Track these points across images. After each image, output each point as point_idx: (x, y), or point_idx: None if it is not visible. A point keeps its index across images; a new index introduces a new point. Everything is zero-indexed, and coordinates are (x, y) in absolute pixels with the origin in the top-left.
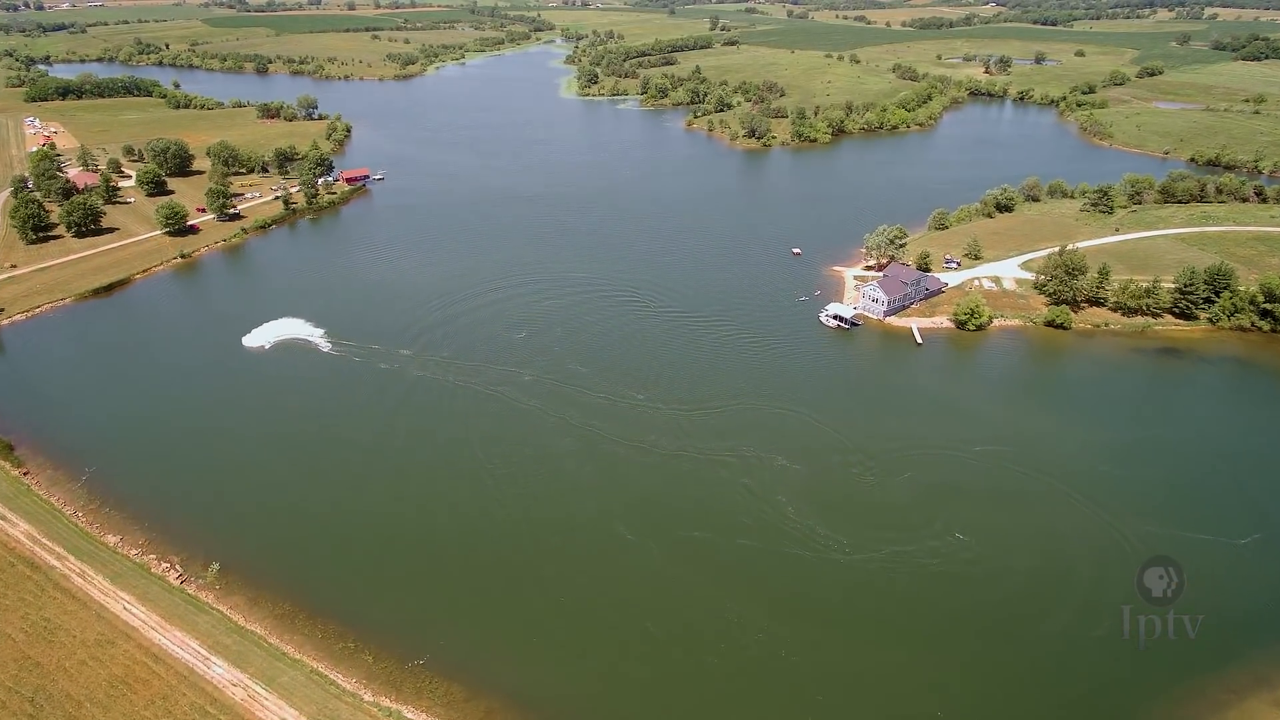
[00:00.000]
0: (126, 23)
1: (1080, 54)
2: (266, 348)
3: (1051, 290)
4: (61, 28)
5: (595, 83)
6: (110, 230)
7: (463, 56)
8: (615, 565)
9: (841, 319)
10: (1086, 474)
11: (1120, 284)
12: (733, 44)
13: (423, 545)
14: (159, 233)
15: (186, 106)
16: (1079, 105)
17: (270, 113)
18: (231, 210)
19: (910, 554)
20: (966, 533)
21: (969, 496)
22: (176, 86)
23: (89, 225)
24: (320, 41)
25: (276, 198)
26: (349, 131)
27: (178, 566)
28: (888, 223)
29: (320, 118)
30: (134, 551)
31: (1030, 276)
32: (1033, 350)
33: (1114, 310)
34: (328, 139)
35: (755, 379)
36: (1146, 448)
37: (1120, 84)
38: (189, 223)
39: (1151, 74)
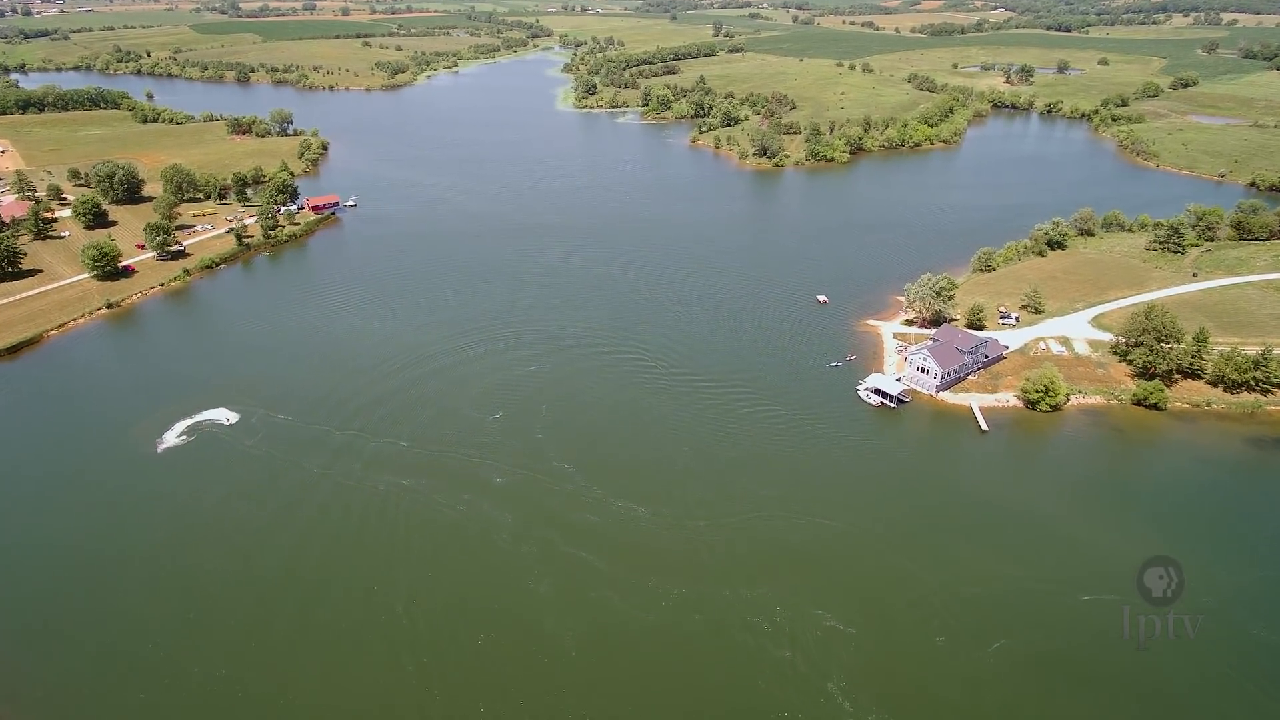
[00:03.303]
0: (112, 29)
1: (1104, 63)
2: (179, 439)
3: (1139, 360)
4: (44, 34)
5: (593, 94)
6: (33, 273)
7: (456, 64)
8: None
9: (886, 395)
10: (1246, 643)
11: (1223, 353)
12: (738, 51)
13: None
14: (87, 276)
15: (155, 120)
16: (1114, 120)
17: (241, 128)
18: (175, 247)
19: None
20: None
21: (1088, 686)
22: (150, 98)
23: (7, 268)
24: (308, 49)
25: (230, 230)
26: (325, 149)
27: None
28: (922, 259)
29: (296, 133)
30: None
31: (1107, 338)
32: (1125, 441)
33: (1213, 384)
34: (300, 158)
35: (784, 477)
36: None
37: (1154, 96)
38: (123, 263)
39: (1186, 85)
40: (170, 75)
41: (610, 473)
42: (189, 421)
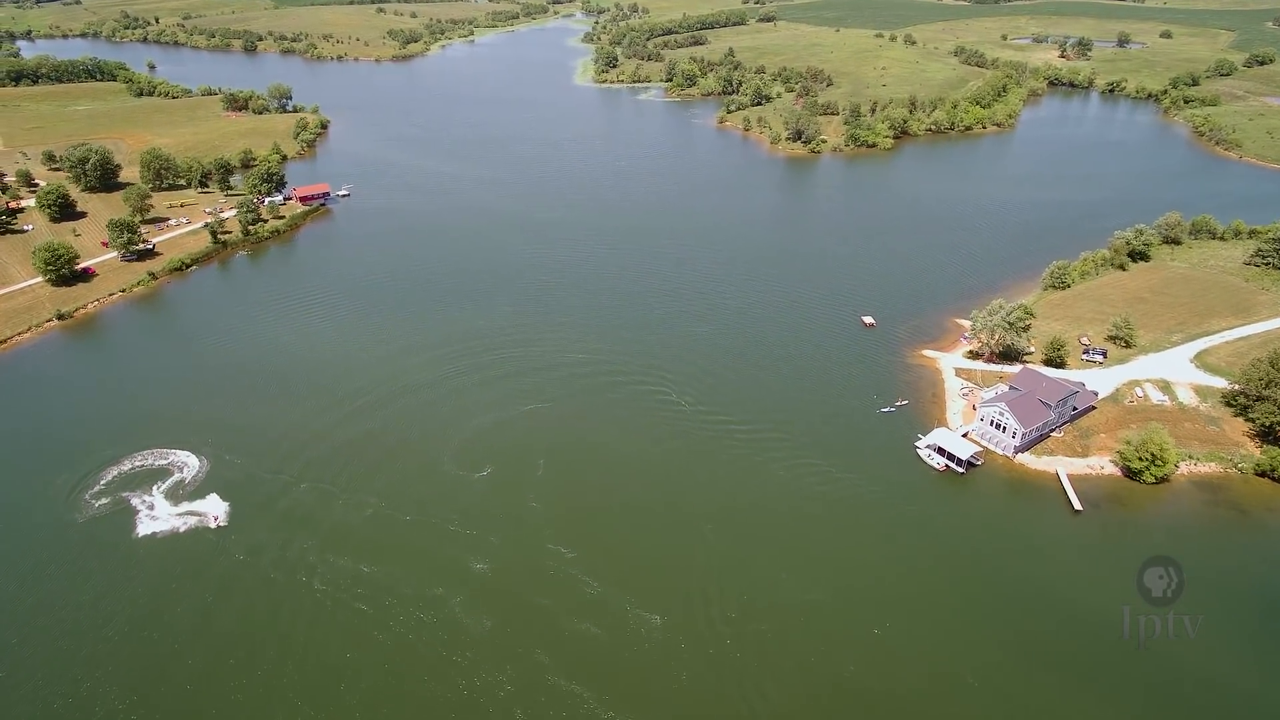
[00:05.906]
0: None
1: (1167, 35)
2: (104, 502)
3: (1263, 419)
4: None
5: (614, 66)
6: None
7: (472, 33)
8: None
9: (953, 457)
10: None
11: None
12: (769, 20)
13: None
14: (40, 280)
15: (150, 94)
16: (1185, 102)
17: (237, 104)
18: (142, 245)
19: None
20: None
21: None
22: (152, 69)
23: None
24: (319, 15)
25: (206, 225)
26: (324, 128)
27: None
28: (980, 269)
29: (295, 109)
30: None
31: (1217, 383)
32: (1251, 527)
33: None
34: (295, 139)
35: (831, 570)
36: None
37: (1227, 74)
38: (82, 265)
39: (1261, 63)
40: (176, 43)
41: (618, 560)
42: (127, 468)
